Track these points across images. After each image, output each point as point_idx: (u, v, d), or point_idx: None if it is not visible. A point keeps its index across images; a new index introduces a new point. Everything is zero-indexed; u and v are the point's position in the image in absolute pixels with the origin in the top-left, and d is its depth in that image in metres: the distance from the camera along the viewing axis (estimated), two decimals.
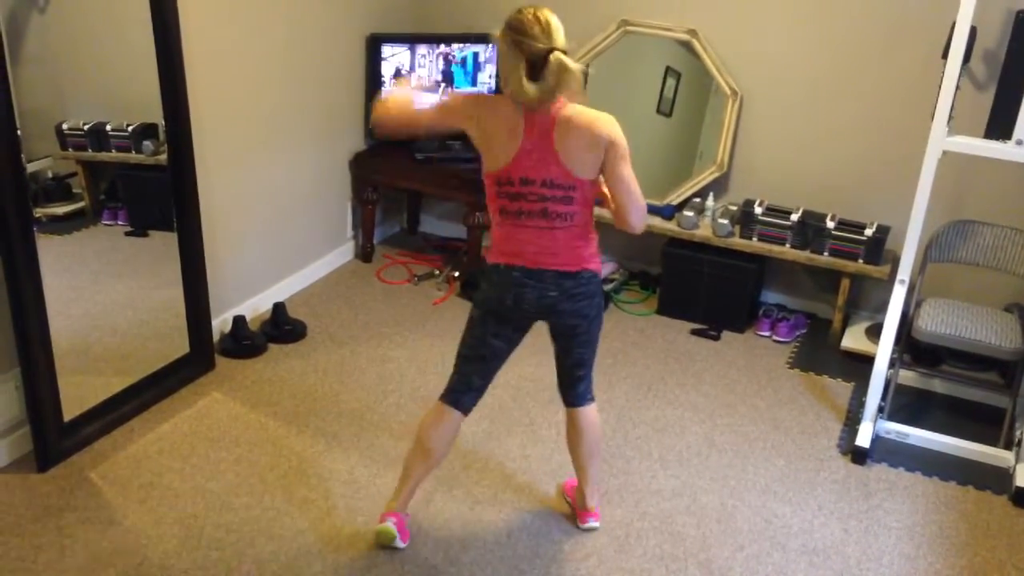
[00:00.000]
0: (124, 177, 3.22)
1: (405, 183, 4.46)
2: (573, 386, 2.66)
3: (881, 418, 3.40)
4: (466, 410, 2.60)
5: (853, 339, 4.00)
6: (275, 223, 3.98)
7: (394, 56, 4.31)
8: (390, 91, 2.53)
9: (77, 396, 2.99)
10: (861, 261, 3.89)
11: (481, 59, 4.38)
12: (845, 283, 3.96)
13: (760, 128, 4.15)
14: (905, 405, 3.63)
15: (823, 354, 4.00)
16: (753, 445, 3.31)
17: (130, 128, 3.14)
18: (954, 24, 2.95)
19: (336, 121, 4.28)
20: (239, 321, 3.68)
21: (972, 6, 2.89)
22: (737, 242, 4.06)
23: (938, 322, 3.36)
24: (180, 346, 3.40)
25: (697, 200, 4.24)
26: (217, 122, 3.48)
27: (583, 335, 2.55)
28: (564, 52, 2.23)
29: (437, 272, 4.47)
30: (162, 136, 3.18)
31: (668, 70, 4.27)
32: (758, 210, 4.01)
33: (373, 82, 4.35)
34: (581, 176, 2.34)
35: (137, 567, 2.54)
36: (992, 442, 3.35)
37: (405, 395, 3.46)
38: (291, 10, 3.79)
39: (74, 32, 2.92)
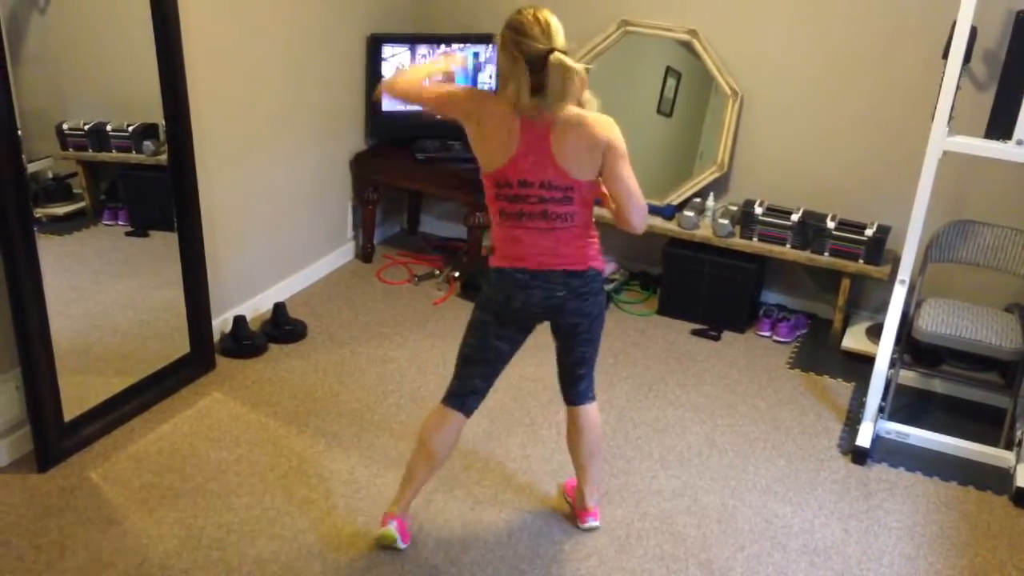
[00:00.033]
0: (124, 177, 3.22)
1: (405, 183, 4.46)
2: (574, 384, 2.66)
3: (881, 418, 3.40)
4: (469, 412, 2.60)
5: (853, 339, 4.00)
6: (276, 223, 3.98)
7: (395, 56, 4.31)
8: (411, 66, 2.54)
9: (77, 396, 2.99)
10: (861, 261, 3.89)
11: (481, 59, 4.38)
12: (845, 283, 3.96)
13: (761, 128, 4.15)
14: (905, 405, 3.63)
15: (823, 354, 4.00)
16: (754, 445, 3.31)
17: (130, 128, 3.14)
18: (954, 24, 2.95)
19: (337, 121, 4.28)
20: (239, 321, 3.68)
21: (972, 6, 2.89)
22: (737, 242, 4.06)
23: (938, 322, 3.36)
24: (181, 346, 3.40)
25: (697, 200, 4.24)
26: (218, 122, 3.48)
27: (586, 333, 2.55)
28: (564, 52, 2.23)
29: (437, 272, 4.47)
30: (162, 136, 3.18)
31: (668, 70, 4.27)
32: (758, 210, 4.01)
33: (374, 82, 4.34)
34: (579, 178, 2.34)
35: (138, 567, 2.54)
36: (992, 442, 3.35)
37: (405, 395, 3.46)
38: (292, 10, 3.79)
39: (74, 32, 2.92)
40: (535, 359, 3.61)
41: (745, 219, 4.04)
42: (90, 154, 3.06)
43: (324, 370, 3.60)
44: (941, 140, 3.07)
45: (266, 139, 3.81)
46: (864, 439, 3.25)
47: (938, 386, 3.78)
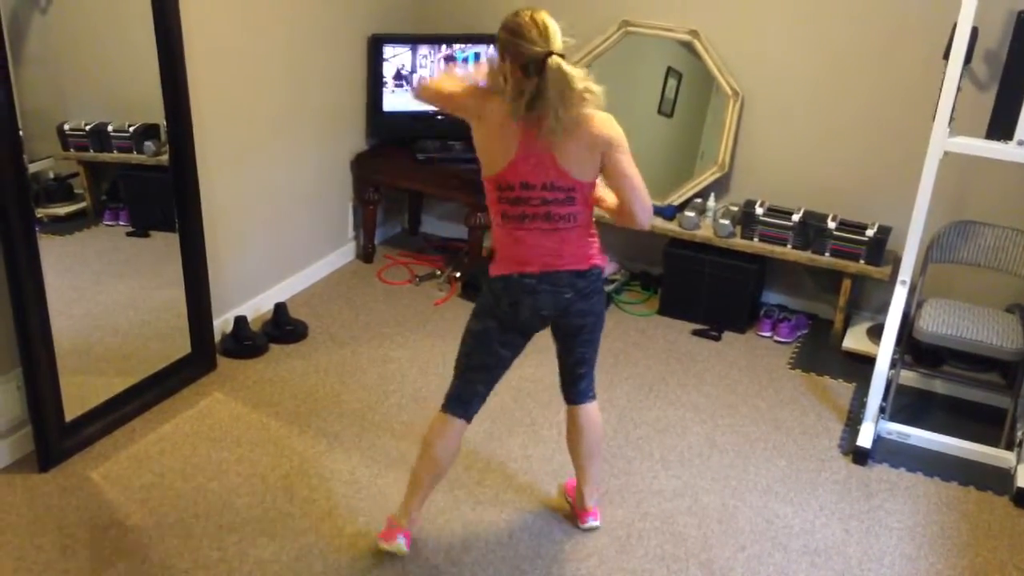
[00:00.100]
0: (125, 177, 3.22)
1: (406, 183, 4.46)
2: (575, 384, 2.66)
3: (882, 419, 3.40)
4: (471, 418, 2.59)
5: (854, 340, 4.00)
6: (276, 223, 3.99)
7: (396, 57, 4.32)
8: (441, 75, 2.52)
9: (79, 396, 2.99)
10: (862, 262, 3.88)
11: (483, 59, 4.37)
12: (846, 284, 3.96)
13: (761, 128, 4.15)
14: (906, 406, 3.63)
15: (824, 355, 4.00)
16: (754, 446, 3.31)
17: (131, 128, 3.14)
18: (955, 25, 2.95)
19: (338, 121, 4.28)
20: (240, 321, 3.68)
21: (973, 7, 2.89)
22: (738, 242, 4.06)
23: (939, 323, 3.36)
24: (182, 346, 3.40)
25: (698, 200, 4.24)
26: (218, 122, 3.49)
27: (588, 333, 2.55)
28: (562, 56, 2.22)
29: (438, 272, 4.47)
30: (163, 136, 3.19)
31: (669, 71, 4.27)
32: (759, 210, 4.00)
33: (375, 82, 4.35)
34: (581, 178, 2.34)
35: (139, 567, 2.55)
36: (993, 443, 3.35)
37: (406, 395, 3.46)
38: (292, 10, 3.79)
39: (76, 32, 2.92)
40: (535, 359, 3.60)
41: (746, 219, 4.04)
42: (91, 154, 3.06)
43: (325, 370, 3.60)
44: (942, 140, 3.07)
45: (267, 139, 3.81)
46: (865, 439, 3.25)
47: (939, 386, 3.78)
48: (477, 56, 4.38)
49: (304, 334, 3.84)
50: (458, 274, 4.41)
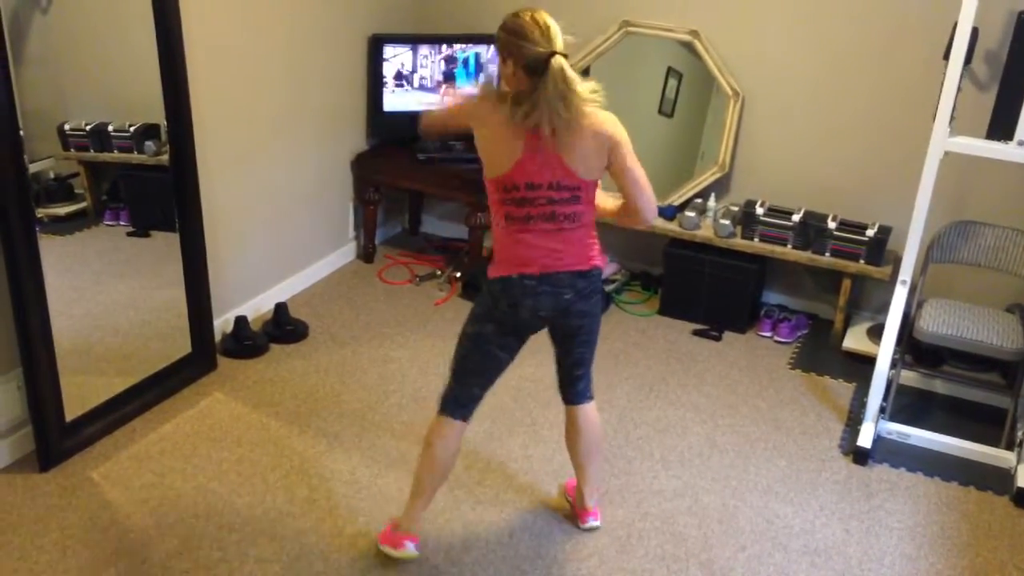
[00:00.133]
0: (126, 177, 3.22)
1: (407, 183, 4.47)
2: (573, 384, 2.66)
3: (883, 419, 3.40)
4: (469, 419, 2.58)
5: (854, 340, 4.00)
6: (277, 223, 3.99)
7: (396, 57, 4.32)
8: (436, 104, 2.54)
9: (79, 396, 2.99)
10: (862, 262, 3.89)
11: (483, 59, 4.38)
12: (846, 284, 3.96)
13: (762, 129, 4.15)
14: (906, 406, 3.63)
15: (824, 355, 4.00)
16: (755, 446, 3.31)
17: (132, 128, 3.14)
18: (956, 25, 2.95)
19: (338, 121, 4.28)
20: (241, 321, 3.68)
21: (974, 7, 2.89)
22: (739, 243, 4.06)
23: (940, 323, 3.36)
24: (182, 346, 3.40)
25: (699, 201, 4.24)
26: (219, 122, 3.49)
27: (586, 334, 2.55)
28: (565, 56, 2.21)
29: (439, 272, 4.48)
30: (164, 136, 3.19)
31: (670, 71, 4.27)
32: (760, 211, 4.01)
33: (375, 83, 4.35)
34: (586, 177, 2.34)
35: (139, 567, 2.55)
36: (994, 443, 3.35)
37: (407, 395, 3.46)
38: (293, 10, 3.79)
39: (76, 33, 2.92)
40: (535, 359, 3.61)
41: (746, 219, 4.04)
42: (92, 154, 3.06)
43: (325, 370, 3.60)
44: (942, 141, 3.07)
45: (267, 139, 3.81)
46: (865, 439, 3.25)
47: (939, 386, 3.78)
48: (477, 56, 4.38)
49: (304, 334, 3.84)
50: (458, 274, 4.41)
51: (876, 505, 3.04)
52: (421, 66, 4.36)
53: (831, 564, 2.75)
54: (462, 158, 4.26)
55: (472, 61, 4.39)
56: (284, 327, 3.81)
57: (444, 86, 4.37)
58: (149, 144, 3.19)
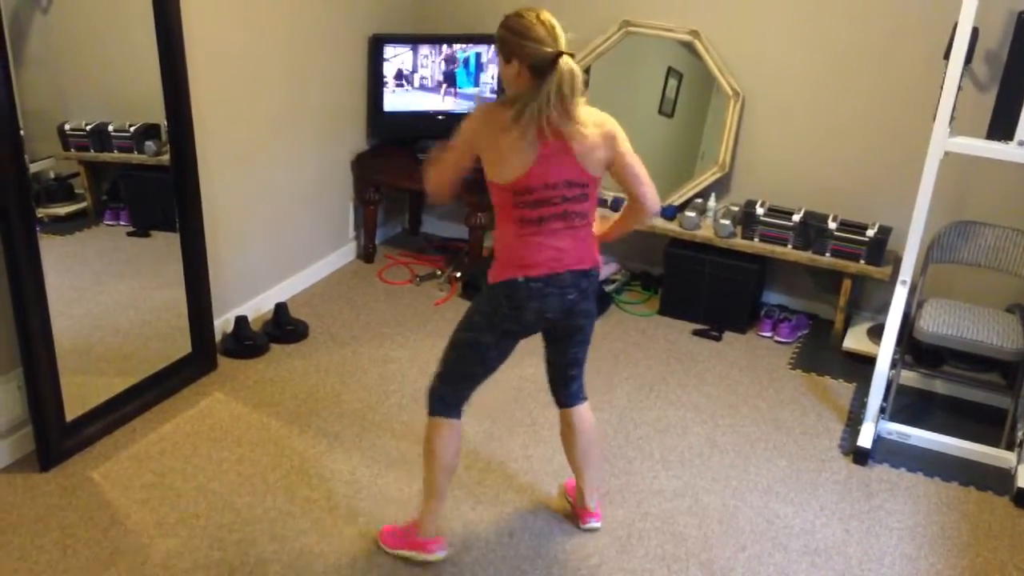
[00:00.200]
0: (126, 177, 3.22)
1: (407, 183, 4.46)
2: (567, 385, 2.65)
3: (883, 419, 3.40)
4: (461, 414, 2.57)
5: (855, 340, 4.00)
6: (277, 223, 3.99)
7: (396, 57, 4.32)
8: (429, 161, 2.48)
9: (79, 396, 2.99)
10: (863, 262, 3.89)
11: (484, 59, 4.38)
12: (847, 284, 3.96)
13: (762, 129, 4.16)
14: (907, 406, 3.63)
15: (825, 355, 4.00)
16: (755, 446, 3.31)
17: (132, 128, 3.14)
18: (956, 25, 2.95)
19: (338, 121, 4.28)
20: (241, 321, 3.68)
21: (974, 7, 2.89)
22: (739, 243, 4.06)
23: (940, 323, 3.36)
24: (182, 346, 3.40)
25: (699, 201, 4.24)
26: (219, 122, 3.49)
27: (583, 334, 2.54)
28: (571, 55, 2.20)
29: (439, 272, 4.48)
30: (164, 136, 3.19)
31: (670, 71, 4.27)
32: (760, 211, 4.01)
33: (375, 82, 4.35)
34: (594, 174, 2.34)
35: (139, 567, 2.55)
36: (994, 443, 3.35)
37: (407, 395, 3.46)
38: (293, 10, 3.79)
39: (77, 33, 2.92)
40: (535, 359, 3.60)
41: (746, 219, 4.05)
42: (92, 154, 3.06)
43: (326, 370, 3.60)
44: (942, 141, 3.07)
45: (268, 139, 3.81)
46: (865, 440, 3.25)
47: (939, 387, 3.78)
48: (478, 56, 4.38)
49: (305, 334, 3.84)
50: (459, 274, 4.41)
51: (876, 505, 3.04)
52: (422, 66, 4.36)
53: (831, 564, 2.75)
54: None
55: (472, 61, 4.39)
56: (284, 327, 3.81)
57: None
58: (149, 144, 3.19)
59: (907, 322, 3.42)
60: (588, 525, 2.81)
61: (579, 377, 2.65)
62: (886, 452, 3.31)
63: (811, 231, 3.97)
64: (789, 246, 4.00)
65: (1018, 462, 3.19)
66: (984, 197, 3.78)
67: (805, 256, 3.98)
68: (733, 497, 3.02)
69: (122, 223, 3.18)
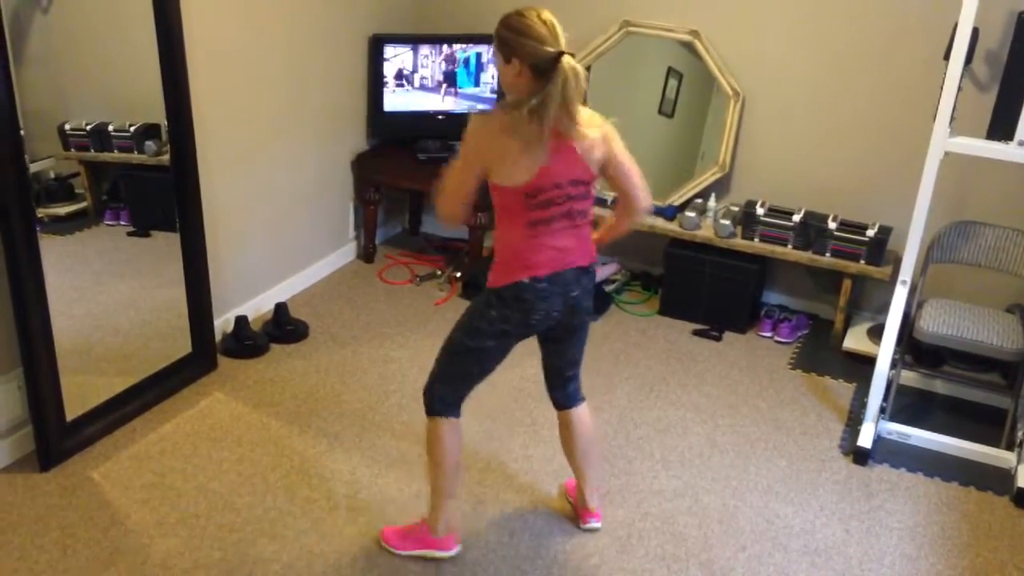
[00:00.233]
0: (126, 177, 3.22)
1: (407, 183, 4.46)
2: (565, 386, 2.65)
3: (883, 419, 3.40)
4: (460, 412, 2.57)
5: (855, 340, 4.00)
6: (277, 223, 3.99)
7: (396, 56, 4.32)
8: (437, 192, 2.44)
9: (79, 396, 2.99)
10: (863, 262, 3.89)
11: (484, 59, 4.38)
12: (847, 284, 3.96)
13: (762, 129, 4.16)
14: (907, 406, 3.63)
15: (825, 355, 4.00)
16: (755, 446, 3.31)
17: (132, 128, 3.14)
18: (956, 25, 2.95)
19: (338, 121, 4.28)
20: (241, 321, 3.68)
21: (974, 7, 2.89)
22: (739, 243, 4.06)
23: (940, 323, 3.36)
24: (182, 346, 3.40)
25: (699, 201, 4.24)
26: (219, 122, 3.49)
27: (582, 331, 2.55)
28: (572, 54, 2.20)
29: (439, 272, 4.48)
30: (164, 136, 3.19)
31: (670, 71, 4.27)
32: (760, 211, 4.01)
33: (375, 82, 4.35)
34: (595, 171, 2.35)
35: (139, 567, 2.55)
36: (994, 443, 3.35)
37: (407, 395, 3.46)
38: (293, 10, 3.79)
39: (77, 32, 2.92)
40: (535, 359, 3.59)
41: (746, 220, 4.05)
42: (92, 154, 3.06)
43: (326, 370, 3.60)
44: (943, 141, 3.07)
45: (268, 139, 3.81)
46: (865, 440, 3.25)
47: (939, 387, 3.78)
48: (478, 56, 4.38)
49: (305, 334, 3.84)
50: (459, 274, 4.41)
51: (876, 505, 3.04)
52: (422, 66, 4.36)
53: (831, 564, 2.75)
54: None
55: (472, 61, 4.39)
56: (284, 327, 3.81)
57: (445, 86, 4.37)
58: (149, 144, 3.19)
59: (907, 322, 3.42)
60: (588, 525, 2.81)
61: (577, 377, 2.65)
62: (886, 452, 3.31)
63: (811, 231, 3.97)
64: (789, 246, 4.00)
65: (1018, 462, 3.19)
66: (984, 197, 3.78)
67: (805, 256, 3.98)
68: (733, 497, 3.02)
69: (122, 223, 3.18)
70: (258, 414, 3.29)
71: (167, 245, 3.29)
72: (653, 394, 3.60)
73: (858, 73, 3.91)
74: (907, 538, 2.89)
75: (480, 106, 4.46)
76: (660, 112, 4.34)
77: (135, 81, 3.14)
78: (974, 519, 3.01)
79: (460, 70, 4.40)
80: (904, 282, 3.28)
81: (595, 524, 2.81)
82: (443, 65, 4.38)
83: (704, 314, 4.17)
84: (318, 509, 2.82)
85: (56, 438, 2.91)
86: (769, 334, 4.11)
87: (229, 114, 3.54)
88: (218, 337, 3.63)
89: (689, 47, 4.15)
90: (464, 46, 4.37)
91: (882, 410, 3.37)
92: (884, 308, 3.55)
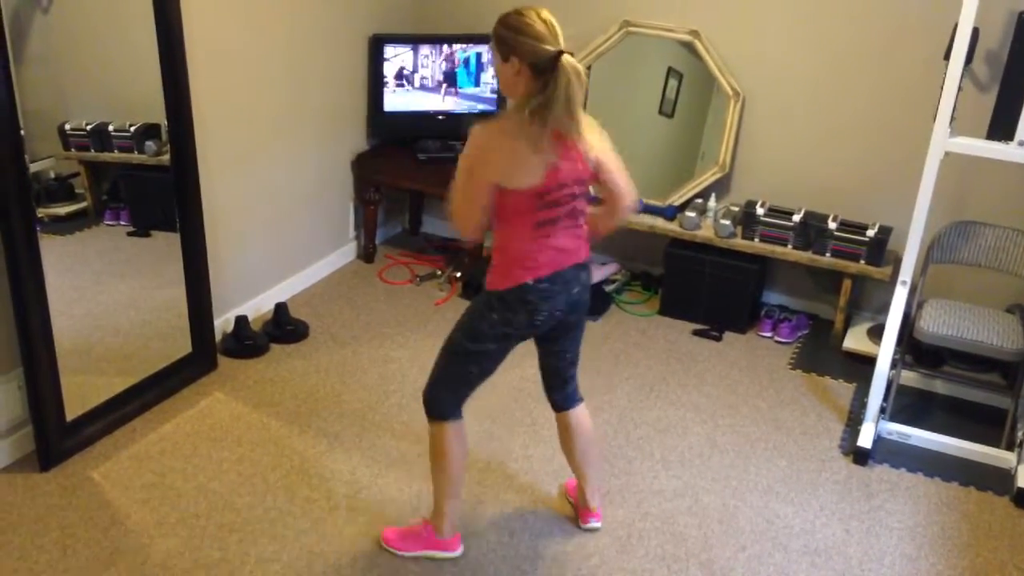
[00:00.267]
0: (126, 177, 3.22)
1: (407, 183, 4.46)
2: (564, 386, 2.65)
3: (883, 419, 3.40)
4: (462, 413, 2.58)
5: (855, 340, 4.00)
6: (277, 223, 3.99)
7: (397, 56, 4.32)
8: (452, 213, 2.39)
9: (79, 396, 2.99)
10: (863, 262, 3.89)
11: (484, 59, 4.38)
12: (847, 284, 3.96)
13: (762, 129, 4.16)
14: (907, 406, 3.63)
15: (825, 355, 4.00)
16: (755, 446, 3.31)
17: (132, 128, 3.14)
18: (956, 25, 2.95)
19: (338, 121, 4.28)
20: (241, 321, 3.68)
21: (974, 7, 2.89)
22: (739, 243, 4.06)
23: (940, 323, 3.36)
24: (182, 346, 3.40)
25: (699, 201, 4.24)
26: (220, 122, 3.49)
27: (580, 329, 2.55)
28: (571, 53, 2.20)
29: (439, 272, 4.48)
30: (164, 136, 3.19)
31: (670, 71, 4.27)
32: (760, 211, 4.01)
33: (376, 82, 4.35)
34: (593, 170, 2.35)
35: (139, 567, 2.55)
36: (994, 443, 3.35)
37: (407, 395, 3.46)
38: (294, 10, 3.79)
39: (77, 32, 2.92)
40: (534, 360, 3.60)
41: (747, 220, 4.04)
42: (92, 154, 3.06)
43: (326, 370, 3.60)
44: (943, 141, 3.07)
45: (268, 139, 3.81)
46: (865, 440, 3.25)
47: (939, 387, 3.78)
48: (478, 56, 4.38)
49: (305, 334, 3.84)
50: (459, 274, 4.41)
51: (876, 505, 3.04)
52: (422, 66, 4.36)
53: (831, 564, 2.75)
54: None
55: (473, 61, 4.39)
56: (284, 327, 3.81)
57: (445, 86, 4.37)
58: (150, 144, 3.19)
59: (907, 322, 3.42)
60: (589, 525, 2.81)
61: (575, 377, 2.65)
62: (886, 452, 3.31)
63: (811, 231, 3.97)
64: (789, 246, 4.00)
65: (1018, 462, 3.19)
66: (984, 197, 3.78)
67: (805, 256, 3.98)
68: (733, 497, 3.02)
69: (122, 223, 3.18)
70: (258, 414, 3.29)
71: (167, 245, 3.29)
72: (653, 394, 3.60)
73: (858, 73, 3.91)
74: (907, 538, 2.89)
75: (480, 106, 4.45)
76: (660, 112, 4.34)
77: (135, 81, 3.14)
78: (974, 519, 3.01)
79: (460, 70, 4.40)
80: (904, 282, 3.28)
81: (595, 524, 2.82)
82: (443, 65, 4.38)
83: (704, 314, 4.17)
84: (318, 509, 2.82)
85: (56, 438, 2.91)
86: (769, 334, 4.11)
87: (229, 114, 3.54)
88: (218, 337, 3.63)
89: (689, 47, 4.15)
90: (464, 46, 4.37)
91: (882, 410, 3.37)
92: (884, 308, 3.55)
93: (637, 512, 2.91)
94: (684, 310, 4.21)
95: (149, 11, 3.00)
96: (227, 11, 3.42)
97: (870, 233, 3.84)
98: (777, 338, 4.09)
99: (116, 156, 3.14)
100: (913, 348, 3.59)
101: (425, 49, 4.34)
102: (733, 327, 4.14)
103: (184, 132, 3.20)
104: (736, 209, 4.15)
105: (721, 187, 4.28)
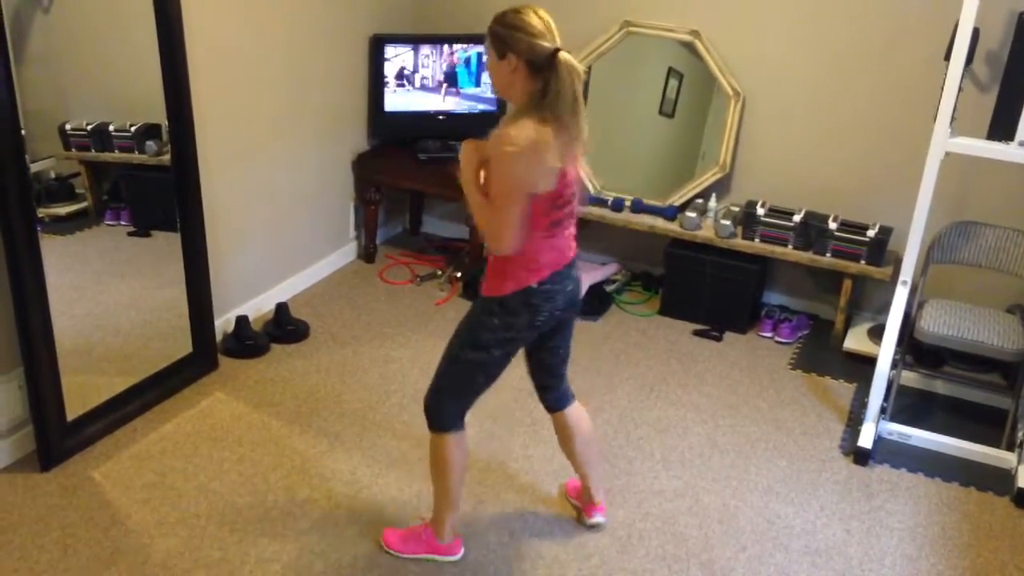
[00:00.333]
0: (127, 177, 3.22)
1: (408, 183, 4.47)
2: (557, 386, 2.64)
3: (883, 419, 3.40)
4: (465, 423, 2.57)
5: (855, 340, 4.00)
6: (278, 223, 3.99)
7: (397, 56, 4.32)
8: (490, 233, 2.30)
9: (80, 396, 3.00)
10: (863, 262, 3.89)
11: (484, 59, 4.38)
12: (847, 284, 3.96)
13: (762, 129, 4.16)
14: (907, 406, 3.63)
15: (825, 355, 4.00)
16: (755, 446, 3.31)
17: (133, 128, 3.15)
18: (956, 25, 2.95)
19: (339, 121, 4.28)
20: (242, 321, 3.68)
21: (975, 8, 2.89)
22: (739, 243, 4.06)
23: (940, 323, 3.36)
24: (183, 346, 3.41)
25: (699, 201, 4.24)
26: (220, 122, 3.49)
27: (571, 324, 2.55)
28: (568, 52, 2.20)
29: (439, 272, 4.48)
30: (165, 136, 3.19)
31: (670, 71, 4.27)
32: (760, 211, 4.01)
33: (376, 82, 4.35)
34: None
35: (140, 567, 2.55)
36: (994, 443, 3.35)
37: (408, 395, 3.46)
38: (294, 10, 3.79)
39: (78, 32, 2.92)
40: None
41: (747, 220, 4.04)
42: (93, 154, 3.06)
43: (326, 370, 3.60)
44: (943, 141, 3.07)
45: (268, 139, 3.81)
46: (866, 440, 3.25)
47: (940, 387, 3.78)
48: (479, 56, 4.38)
49: (305, 334, 3.84)
50: (459, 274, 4.41)
51: (877, 506, 3.04)
52: (422, 66, 4.36)
53: (832, 564, 2.75)
54: None
55: (473, 61, 4.40)
56: (285, 327, 3.81)
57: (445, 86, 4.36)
58: (150, 144, 3.19)
59: (908, 322, 3.42)
60: (593, 519, 2.80)
61: (566, 375, 2.65)
62: (887, 452, 3.31)
63: (812, 231, 3.97)
64: (790, 246, 4.00)
65: (1018, 462, 3.19)
66: (984, 197, 3.78)
67: (806, 256, 3.98)
68: (733, 497, 3.02)
69: (123, 223, 3.18)
70: (259, 414, 3.29)
71: (168, 245, 3.30)
72: (653, 394, 3.60)
73: (858, 73, 3.91)
74: (908, 538, 2.89)
75: (481, 106, 4.45)
76: (661, 112, 4.34)
77: (136, 81, 3.14)
78: (974, 519, 3.01)
79: (461, 70, 4.40)
80: (905, 282, 3.28)
81: (600, 518, 2.80)
82: (444, 65, 4.38)
83: (705, 314, 4.17)
84: (318, 509, 2.83)
85: (57, 438, 2.91)
86: (769, 334, 4.11)
87: (230, 114, 3.55)
88: (219, 337, 3.63)
89: (689, 47, 4.15)
90: (465, 46, 4.37)
91: (883, 410, 3.37)
92: (884, 308, 3.55)
93: (637, 512, 2.92)
94: (684, 310, 4.21)
95: (150, 11, 3.00)
96: (227, 11, 3.42)
97: (870, 233, 3.84)
98: (777, 338, 4.09)
99: (117, 156, 3.14)
100: (913, 348, 3.59)
101: (425, 49, 4.34)
102: (733, 327, 4.14)
103: (184, 132, 3.20)
104: (736, 209, 4.15)
105: (721, 187, 4.28)
